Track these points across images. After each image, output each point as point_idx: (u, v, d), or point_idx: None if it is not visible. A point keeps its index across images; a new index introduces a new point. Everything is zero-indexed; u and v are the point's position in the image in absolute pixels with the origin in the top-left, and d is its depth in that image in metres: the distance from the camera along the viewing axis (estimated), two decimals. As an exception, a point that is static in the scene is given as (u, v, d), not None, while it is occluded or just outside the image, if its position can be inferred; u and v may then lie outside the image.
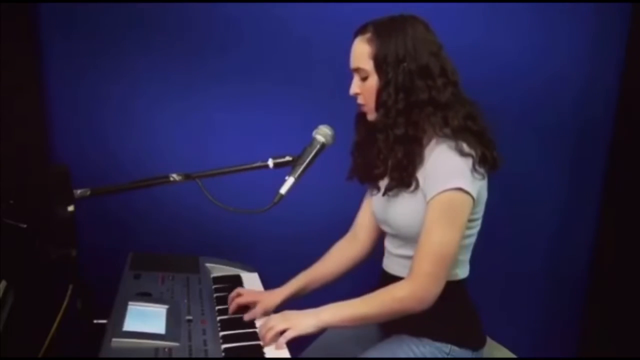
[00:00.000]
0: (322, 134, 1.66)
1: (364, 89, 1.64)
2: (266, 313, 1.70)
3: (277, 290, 1.79)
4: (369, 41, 1.60)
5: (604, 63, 2.34)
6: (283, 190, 1.62)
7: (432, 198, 1.55)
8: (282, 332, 1.53)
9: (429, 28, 1.63)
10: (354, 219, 1.91)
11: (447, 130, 1.58)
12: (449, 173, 1.55)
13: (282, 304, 1.76)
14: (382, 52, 1.58)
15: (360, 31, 1.63)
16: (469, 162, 1.55)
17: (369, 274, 1.87)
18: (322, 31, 2.19)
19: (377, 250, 1.86)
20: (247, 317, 1.68)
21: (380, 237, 1.84)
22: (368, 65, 1.61)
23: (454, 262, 1.62)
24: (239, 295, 1.74)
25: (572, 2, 2.26)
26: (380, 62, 1.59)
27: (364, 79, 1.63)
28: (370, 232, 1.86)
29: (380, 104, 1.61)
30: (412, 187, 1.61)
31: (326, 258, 1.88)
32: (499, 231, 2.26)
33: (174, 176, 1.63)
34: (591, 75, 2.35)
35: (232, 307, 1.71)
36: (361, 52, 1.62)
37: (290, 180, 1.63)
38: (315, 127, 1.68)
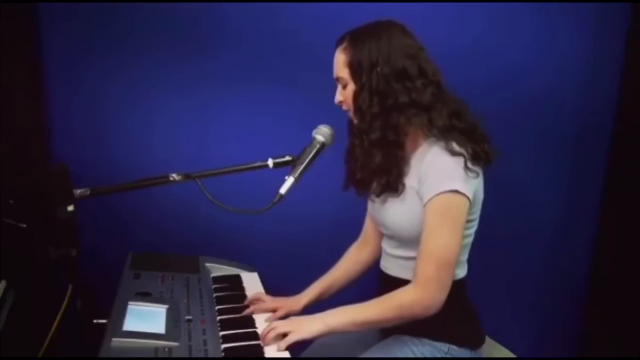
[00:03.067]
0: (322, 134, 1.66)
1: (346, 97, 1.65)
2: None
3: (297, 298, 1.82)
4: (345, 50, 1.62)
5: (604, 63, 2.34)
6: (283, 190, 1.62)
7: (428, 202, 1.55)
8: (285, 335, 1.54)
9: (406, 31, 1.63)
10: (358, 223, 1.91)
11: (435, 131, 1.58)
12: (443, 175, 1.55)
13: (303, 311, 1.79)
14: (356, 58, 1.59)
15: (339, 42, 1.65)
16: (461, 162, 1.55)
17: (367, 275, 1.87)
18: (322, 31, 2.17)
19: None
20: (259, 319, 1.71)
21: None
22: (345, 73, 1.62)
23: (457, 264, 1.61)
24: (258, 300, 1.77)
25: (572, 2, 2.26)
26: (355, 69, 1.60)
27: (344, 87, 1.64)
28: (379, 235, 1.85)
29: (356, 109, 1.62)
30: (400, 192, 1.61)
31: (341, 263, 1.91)
32: (498, 231, 2.26)
33: (174, 176, 1.63)
34: (591, 75, 2.35)
35: (250, 310, 1.73)
36: (339, 62, 1.64)
37: (290, 180, 1.63)
38: (315, 127, 1.68)
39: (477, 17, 2.24)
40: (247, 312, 1.73)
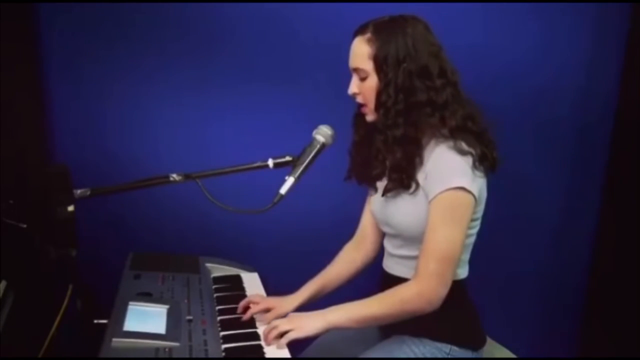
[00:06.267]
0: (322, 134, 1.66)
1: (363, 89, 1.63)
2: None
3: (291, 297, 1.77)
4: (369, 41, 1.60)
5: (604, 63, 2.34)
6: (283, 190, 1.62)
7: (434, 197, 1.55)
8: (285, 333, 1.53)
9: (428, 28, 1.62)
10: (358, 222, 1.90)
11: (445, 131, 1.58)
12: (450, 172, 1.55)
13: (296, 310, 1.75)
14: (382, 52, 1.58)
15: (360, 31, 1.63)
16: (469, 160, 1.55)
17: (369, 274, 1.87)
18: (322, 31, 2.19)
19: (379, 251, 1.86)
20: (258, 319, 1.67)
21: None
22: (368, 65, 1.60)
23: (459, 261, 1.61)
24: (250, 302, 1.73)
25: (572, 2, 2.27)
26: (380, 63, 1.58)
27: (363, 79, 1.62)
28: (375, 234, 1.85)
29: (380, 104, 1.60)
30: (412, 189, 1.61)
31: (335, 263, 1.87)
32: (499, 231, 2.26)
33: (174, 176, 1.63)
34: (591, 75, 2.35)
35: (246, 316, 1.68)
36: (361, 52, 1.61)
37: (290, 180, 1.63)
38: (315, 127, 1.68)
39: (476, 17, 2.24)
40: (245, 317, 1.68)
